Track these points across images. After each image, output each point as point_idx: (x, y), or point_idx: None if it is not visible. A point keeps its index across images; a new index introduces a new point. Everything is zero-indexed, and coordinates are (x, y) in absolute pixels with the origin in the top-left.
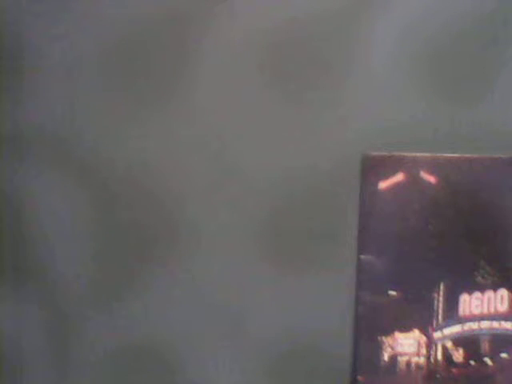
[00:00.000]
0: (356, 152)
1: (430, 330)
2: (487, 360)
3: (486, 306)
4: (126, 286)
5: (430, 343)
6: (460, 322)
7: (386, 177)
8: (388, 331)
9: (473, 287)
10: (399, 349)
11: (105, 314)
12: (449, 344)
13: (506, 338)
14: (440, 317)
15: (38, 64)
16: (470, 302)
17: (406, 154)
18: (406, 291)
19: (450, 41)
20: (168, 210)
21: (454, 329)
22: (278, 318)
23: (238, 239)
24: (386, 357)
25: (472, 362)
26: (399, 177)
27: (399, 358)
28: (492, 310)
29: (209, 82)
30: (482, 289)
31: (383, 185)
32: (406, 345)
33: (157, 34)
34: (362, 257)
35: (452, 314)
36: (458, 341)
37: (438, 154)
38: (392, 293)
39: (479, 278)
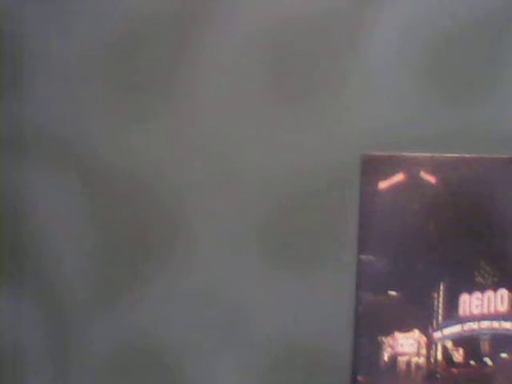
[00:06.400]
0: (356, 152)
1: (430, 330)
2: (487, 360)
3: (485, 306)
4: (125, 286)
5: (430, 343)
6: (460, 322)
7: (385, 177)
8: (388, 331)
9: (473, 287)
10: (399, 349)
11: (105, 314)
12: (449, 344)
13: (506, 338)
14: (440, 317)
15: (38, 64)
16: (470, 302)
17: (406, 154)
18: (406, 291)
19: (450, 41)
20: (168, 210)
21: (454, 329)
22: (278, 317)
23: (238, 239)
24: (385, 357)
25: (472, 362)
26: (399, 177)
27: (399, 358)
28: (492, 310)
29: (209, 82)
30: (482, 289)
31: (383, 185)
32: (406, 345)
33: (157, 34)
34: (362, 257)
35: (452, 313)
36: (458, 341)
37: (438, 154)
38: (392, 293)
39: (479, 278)
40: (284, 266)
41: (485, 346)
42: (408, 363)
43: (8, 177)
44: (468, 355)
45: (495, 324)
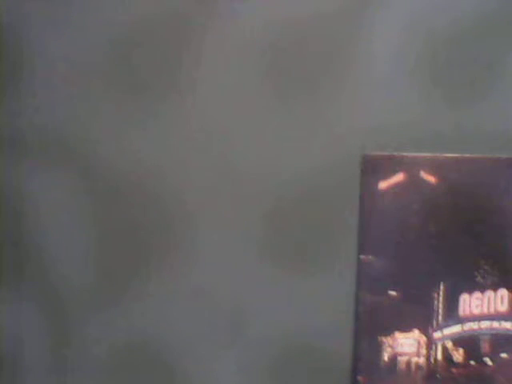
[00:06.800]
0: (356, 152)
1: (430, 330)
2: (487, 360)
3: (486, 306)
4: (126, 286)
5: (430, 343)
6: (460, 322)
7: (385, 177)
8: (388, 331)
9: (473, 287)
10: (399, 349)
11: (105, 314)
12: (449, 344)
13: (506, 338)
14: (440, 317)
15: (38, 64)
16: (470, 302)
17: (406, 154)
18: (405, 291)
19: (450, 41)
20: (168, 210)
21: (454, 329)
22: (277, 317)
23: (238, 239)
24: (385, 357)
25: (472, 362)
26: (399, 177)
27: (399, 358)
28: (492, 310)
29: (209, 83)
30: (482, 289)
31: (383, 185)
32: (406, 345)
33: (157, 34)
34: (362, 257)
35: (452, 313)
36: (458, 341)
37: (438, 154)
38: (392, 293)
39: (479, 278)
40: (284, 266)
41: (485, 346)
42: (408, 363)
43: (8, 177)
44: (468, 355)
45: (495, 324)
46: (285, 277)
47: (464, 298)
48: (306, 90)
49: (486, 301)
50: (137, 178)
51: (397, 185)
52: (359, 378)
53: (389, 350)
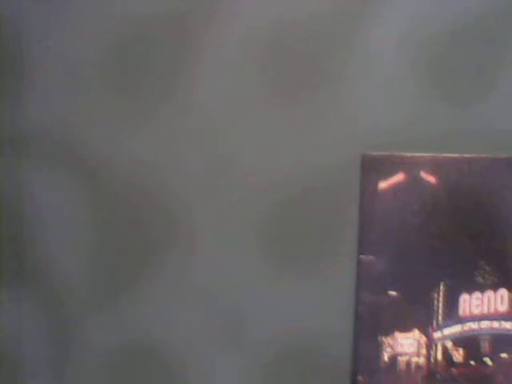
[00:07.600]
0: (356, 152)
1: (430, 330)
2: (487, 360)
3: (486, 306)
4: (125, 286)
5: (430, 343)
6: (460, 322)
7: (386, 177)
8: (388, 331)
9: (473, 287)
10: (399, 349)
11: (105, 314)
12: (449, 344)
13: (506, 338)
14: (440, 317)
15: (38, 64)
16: (470, 302)
17: (406, 154)
18: (406, 291)
19: (449, 41)
20: (168, 210)
21: (454, 329)
22: (277, 318)
23: (238, 239)
24: (385, 357)
25: (472, 362)
26: (399, 177)
27: (399, 358)
28: (492, 310)
29: (209, 83)
30: (482, 289)
31: (383, 185)
32: (406, 345)
33: (157, 34)
34: (362, 257)
35: (452, 313)
36: (458, 341)
37: (438, 154)
38: (392, 293)
39: (479, 278)
40: (284, 266)
41: (485, 346)
42: (408, 363)
43: (8, 177)
44: (468, 355)
45: (495, 324)
46: (285, 277)
47: (464, 298)
48: (306, 90)
49: (485, 301)
50: (136, 178)
51: (397, 185)
52: (359, 377)
53: (389, 350)
